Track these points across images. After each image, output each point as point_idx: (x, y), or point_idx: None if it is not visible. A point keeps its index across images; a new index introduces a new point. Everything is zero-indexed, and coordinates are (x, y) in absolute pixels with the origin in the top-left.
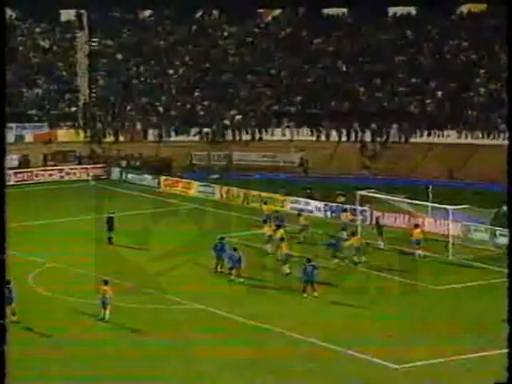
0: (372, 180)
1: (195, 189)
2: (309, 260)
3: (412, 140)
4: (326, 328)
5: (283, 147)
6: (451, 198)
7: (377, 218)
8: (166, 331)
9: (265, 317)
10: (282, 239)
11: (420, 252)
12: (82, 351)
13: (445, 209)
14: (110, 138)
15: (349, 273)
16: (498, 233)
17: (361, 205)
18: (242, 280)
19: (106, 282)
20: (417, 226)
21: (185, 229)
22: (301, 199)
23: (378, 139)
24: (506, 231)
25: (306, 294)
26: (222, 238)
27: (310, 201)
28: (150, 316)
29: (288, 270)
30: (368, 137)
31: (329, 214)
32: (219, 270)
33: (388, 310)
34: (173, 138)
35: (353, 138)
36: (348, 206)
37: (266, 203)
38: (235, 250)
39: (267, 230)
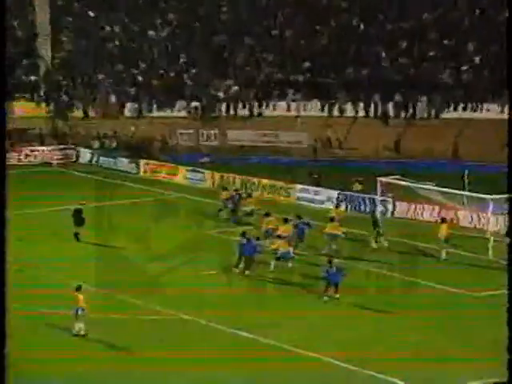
0: (396, 164)
1: (182, 175)
2: (330, 262)
3: (444, 115)
4: (345, 345)
5: (288, 124)
6: (492, 185)
7: (373, 211)
8: (153, 348)
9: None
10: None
11: (443, 254)
12: (51, 374)
13: (484, 199)
14: (79, 113)
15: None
16: None
17: (382, 194)
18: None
19: (78, 288)
20: (444, 220)
21: (170, 223)
22: (310, 187)
23: (403, 114)
24: None
25: (327, 296)
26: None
27: (320, 189)
28: (134, 329)
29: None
30: (391, 111)
31: (343, 205)
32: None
33: (419, 324)
34: (155, 114)
35: (372, 112)
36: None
37: (226, 189)
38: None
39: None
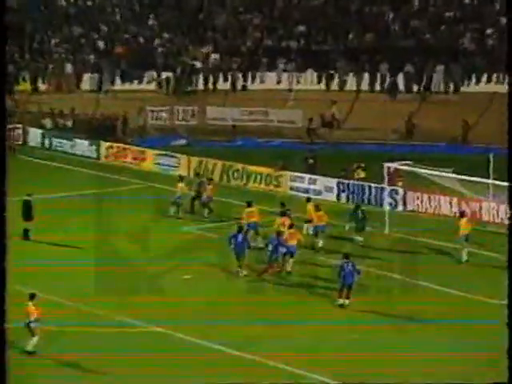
0: (406, 147)
1: (151, 160)
2: (347, 257)
3: (464, 89)
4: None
5: (279, 100)
6: None
7: (357, 203)
8: (117, 364)
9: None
10: None
11: (464, 255)
12: None
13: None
14: (27, 86)
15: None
16: None
17: (390, 183)
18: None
19: (32, 297)
20: (462, 214)
21: (136, 218)
22: (304, 176)
23: (416, 87)
24: None
25: (342, 300)
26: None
27: (316, 177)
28: (95, 344)
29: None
30: (401, 84)
31: (344, 196)
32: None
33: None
34: (119, 87)
35: (379, 86)
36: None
37: (182, 179)
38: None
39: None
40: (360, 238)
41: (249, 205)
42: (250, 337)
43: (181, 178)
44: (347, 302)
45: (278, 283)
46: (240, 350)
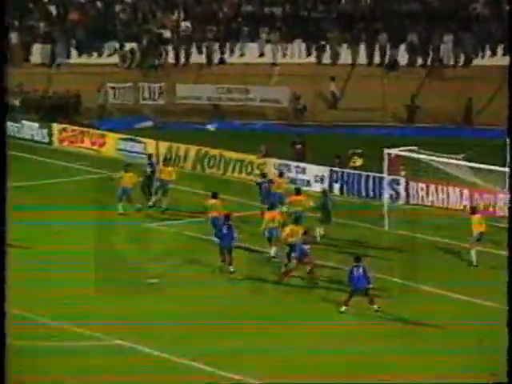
0: (410, 131)
1: (113, 145)
2: (357, 259)
3: (477, 62)
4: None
5: (261, 75)
6: None
7: (324, 189)
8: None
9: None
10: None
11: (474, 257)
12: None
13: None
14: None
15: None
16: None
17: (391, 172)
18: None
19: None
20: (474, 210)
21: (93, 212)
22: (291, 163)
23: (420, 61)
24: None
25: (346, 306)
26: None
27: (305, 165)
28: (48, 359)
29: None
30: (403, 56)
31: (337, 187)
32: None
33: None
34: (74, 60)
35: (377, 59)
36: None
37: (127, 170)
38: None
39: None
40: (321, 232)
41: (213, 196)
42: (229, 352)
43: (128, 167)
44: (375, 307)
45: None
46: (217, 367)
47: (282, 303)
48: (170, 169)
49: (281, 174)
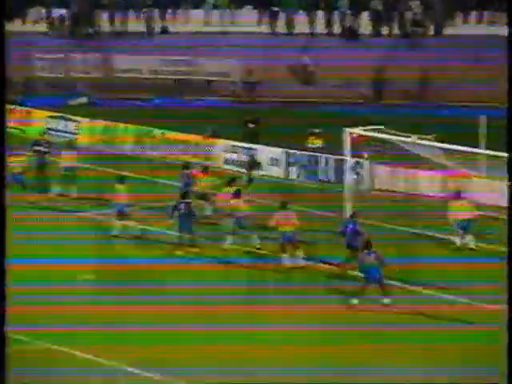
0: (374, 108)
1: (41, 124)
2: (367, 246)
3: (450, 31)
4: None
5: (208, 46)
6: None
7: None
8: None
9: None
10: None
11: (457, 240)
12: None
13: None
14: None
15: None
16: None
17: (353, 153)
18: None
19: None
20: (458, 195)
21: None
22: (243, 145)
23: (385, 30)
24: None
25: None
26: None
27: (258, 147)
28: None
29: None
30: (365, 25)
31: (293, 171)
32: None
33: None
34: None
35: (337, 26)
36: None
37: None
38: None
39: None
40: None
41: (120, 181)
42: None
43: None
44: (387, 300)
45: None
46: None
47: None
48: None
49: (206, 169)
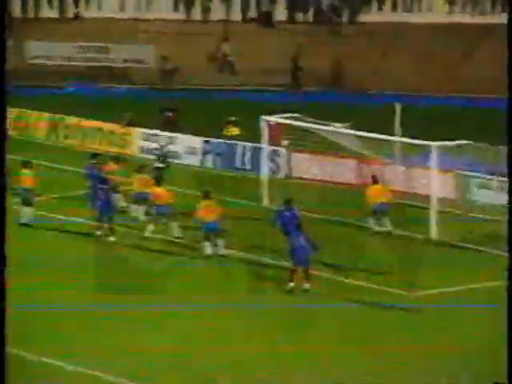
0: (291, 95)
1: None
2: (297, 228)
3: (363, 18)
4: None
5: (124, 32)
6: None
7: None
8: None
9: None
10: None
11: (388, 225)
12: None
13: (424, 147)
14: None
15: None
16: None
17: (271, 141)
18: None
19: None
20: (375, 179)
21: None
22: (160, 133)
23: (301, 17)
24: None
25: (293, 283)
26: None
27: (176, 135)
28: None
29: None
30: (281, 12)
31: (209, 159)
32: None
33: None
34: None
35: (253, 14)
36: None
37: None
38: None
39: None
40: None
41: (24, 165)
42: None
43: None
44: (307, 285)
45: None
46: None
47: None
48: None
49: (117, 159)
